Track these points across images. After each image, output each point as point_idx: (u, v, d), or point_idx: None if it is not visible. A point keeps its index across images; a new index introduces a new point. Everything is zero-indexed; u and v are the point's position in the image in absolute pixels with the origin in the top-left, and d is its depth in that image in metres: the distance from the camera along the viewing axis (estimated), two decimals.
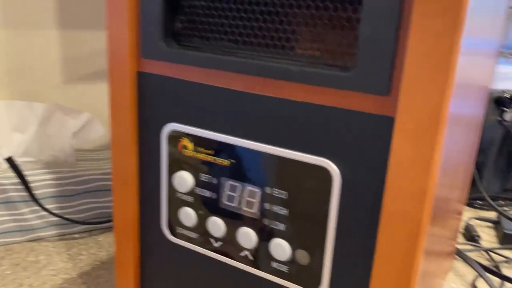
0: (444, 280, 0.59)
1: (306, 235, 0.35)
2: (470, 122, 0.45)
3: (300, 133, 0.33)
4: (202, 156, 0.38)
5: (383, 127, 0.30)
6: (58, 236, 0.68)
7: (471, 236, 0.73)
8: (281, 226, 0.36)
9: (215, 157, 0.37)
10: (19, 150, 0.65)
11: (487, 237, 0.75)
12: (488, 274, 0.63)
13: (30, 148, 0.65)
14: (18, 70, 0.71)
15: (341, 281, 0.35)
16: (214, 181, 0.38)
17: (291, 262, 0.36)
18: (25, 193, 0.63)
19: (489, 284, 0.59)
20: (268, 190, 0.36)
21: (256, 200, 0.36)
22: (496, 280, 0.63)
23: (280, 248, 0.36)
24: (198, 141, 0.38)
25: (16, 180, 0.63)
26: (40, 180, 0.65)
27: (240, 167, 0.36)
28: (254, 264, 0.38)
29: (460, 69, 0.30)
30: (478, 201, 0.85)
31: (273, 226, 0.36)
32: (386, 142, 0.30)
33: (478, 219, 0.80)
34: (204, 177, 0.39)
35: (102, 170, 0.69)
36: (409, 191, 0.29)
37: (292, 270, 0.36)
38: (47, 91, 0.73)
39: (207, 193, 0.39)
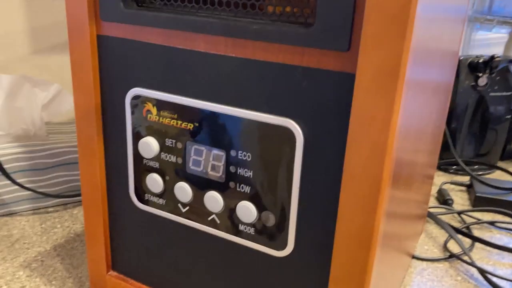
0: (416, 242, 0.60)
1: (271, 196, 0.35)
2: (436, 86, 0.45)
3: (262, 93, 0.33)
4: (166, 121, 0.38)
5: (344, 84, 0.30)
6: (32, 210, 0.68)
7: (444, 200, 0.74)
8: (246, 189, 0.36)
9: (179, 121, 0.37)
10: None
11: (460, 200, 0.77)
12: (459, 236, 0.64)
13: None
14: None
15: (306, 241, 0.35)
16: (179, 146, 0.38)
17: (258, 224, 0.36)
18: None
19: (459, 245, 0.60)
20: (232, 153, 0.35)
21: (221, 164, 0.36)
22: (467, 241, 0.65)
23: (247, 211, 0.36)
24: (162, 105, 0.37)
25: None
26: (10, 153, 0.64)
27: (204, 130, 0.36)
28: (222, 227, 0.38)
29: (420, 27, 0.30)
30: (452, 166, 0.86)
31: (239, 189, 0.36)
32: (347, 99, 0.30)
33: (451, 183, 0.81)
34: (169, 142, 0.38)
35: (74, 143, 0.68)
36: (369, 147, 0.29)
37: (259, 232, 0.36)
38: (13, 63, 0.71)
39: (173, 159, 0.38)
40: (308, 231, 0.34)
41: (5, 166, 0.63)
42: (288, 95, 0.32)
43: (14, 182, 0.63)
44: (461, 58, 0.82)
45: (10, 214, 0.66)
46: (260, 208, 0.36)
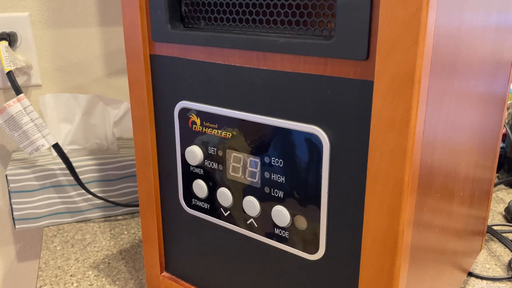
0: (473, 259, 0.58)
1: (303, 201, 0.36)
2: (481, 96, 0.44)
3: (291, 103, 0.35)
4: (208, 130, 0.41)
5: (365, 91, 0.31)
6: (103, 217, 0.74)
7: None
8: (280, 194, 0.38)
9: (219, 131, 0.40)
10: (67, 139, 0.71)
11: None
12: None
13: (76, 136, 0.71)
14: (65, 65, 0.77)
15: (337, 245, 0.36)
16: (220, 153, 0.40)
17: (292, 228, 0.38)
18: (72, 178, 0.69)
19: None
20: (266, 159, 0.38)
21: (257, 170, 0.38)
22: None
23: (281, 215, 0.38)
24: (204, 116, 0.41)
25: (64, 165, 0.69)
26: (85, 165, 0.71)
27: (241, 138, 0.39)
28: (259, 231, 0.40)
29: (442, 35, 0.31)
30: None
31: (273, 194, 0.38)
32: (367, 105, 0.31)
33: None
34: (211, 150, 0.41)
35: None
36: (390, 151, 0.30)
37: (293, 236, 0.38)
38: (90, 84, 0.79)
39: (215, 165, 0.41)
40: (338, 236, 0.35)
41: (80, 177, 0.70)
42: (314, 104, 0.34)
43: (88, 191, 0.70)
44: None
45: (85, 220, 0.73)
46: (293, 212, 0.37)
